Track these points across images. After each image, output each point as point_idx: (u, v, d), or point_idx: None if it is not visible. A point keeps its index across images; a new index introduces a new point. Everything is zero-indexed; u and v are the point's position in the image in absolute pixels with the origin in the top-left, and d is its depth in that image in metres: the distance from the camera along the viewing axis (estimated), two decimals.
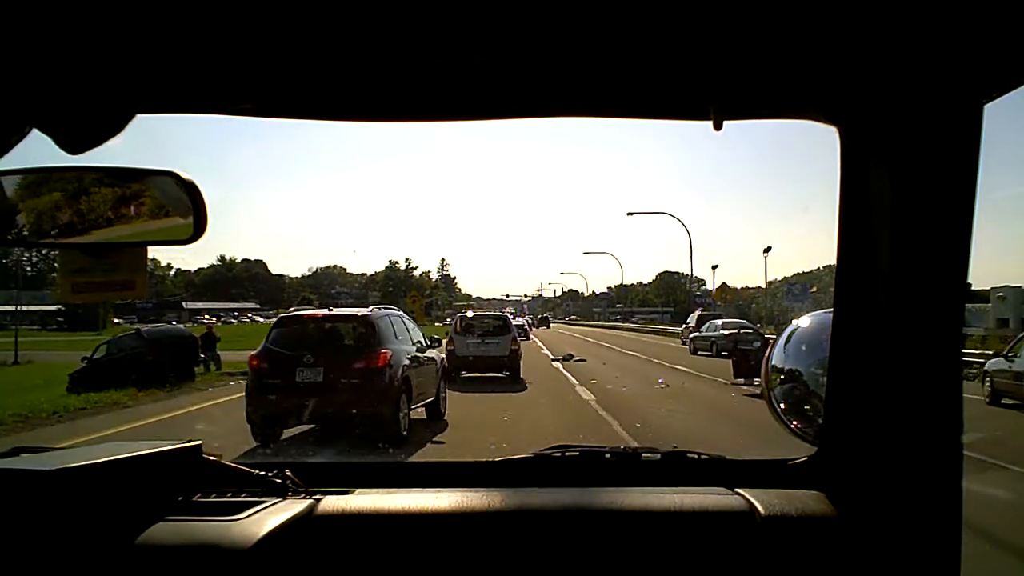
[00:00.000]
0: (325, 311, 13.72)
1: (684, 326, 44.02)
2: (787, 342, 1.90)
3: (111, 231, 1.57)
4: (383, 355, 11.87)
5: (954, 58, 1.41)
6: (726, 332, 32.97)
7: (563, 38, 1.42)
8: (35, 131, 1.45)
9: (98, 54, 1.41)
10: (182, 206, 1.57)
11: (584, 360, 28.78)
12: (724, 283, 54.95)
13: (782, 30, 1.41)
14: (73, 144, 1.45)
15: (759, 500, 1.65)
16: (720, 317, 38.88)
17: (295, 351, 11.84)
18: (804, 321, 1.93)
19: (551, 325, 78.93)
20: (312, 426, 12.02)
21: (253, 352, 12.32)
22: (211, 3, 1.31)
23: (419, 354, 13.40)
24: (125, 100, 1.49)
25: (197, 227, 1.57)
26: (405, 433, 11.79)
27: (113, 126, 1.47)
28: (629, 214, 66.34)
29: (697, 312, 42.98)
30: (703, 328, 36.61)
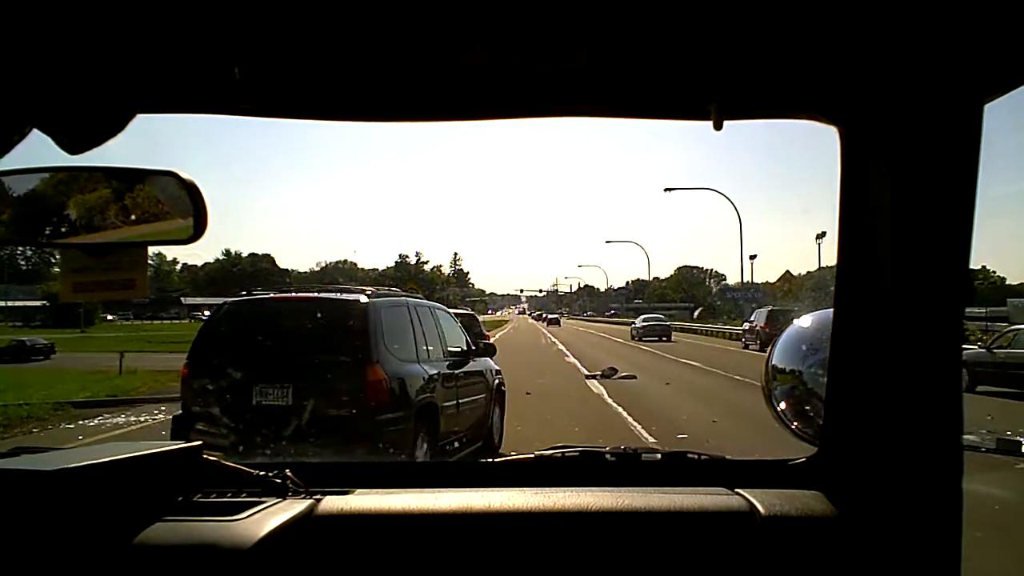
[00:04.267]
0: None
1: (746, 325, 38.94)
2: (787, 342, 1.96)
3: (111, 231, 1.63)
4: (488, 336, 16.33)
5: (954, 58, 1.46)
6: (643, 324, 46.93)
7: (563, 38, 1.47)
8: (35, 131, 1.49)
9: (98, 54, 1.46)
10: (182, 206, 1.62)
11: (632, 376, 21.08)
12: (788, 271, 52.99)
13: (783, 30, 1.46)
14: (73, 144, 1.49)
15: (759, 500, 1.69)
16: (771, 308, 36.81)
17: None
18: (804, 321, 1.97)
19: (561, 323, 78.20)
20: None
21: None
22: (210, 3, 1.38)
23: None
24: (125, 100, 1.54)
25: (197, 227, 1.62)
26: None
27: (113, 126, 1.51)
28: (667, 190, 62.70)
29: (766, 310, 36.27)
30: (637, 320, 49.63)
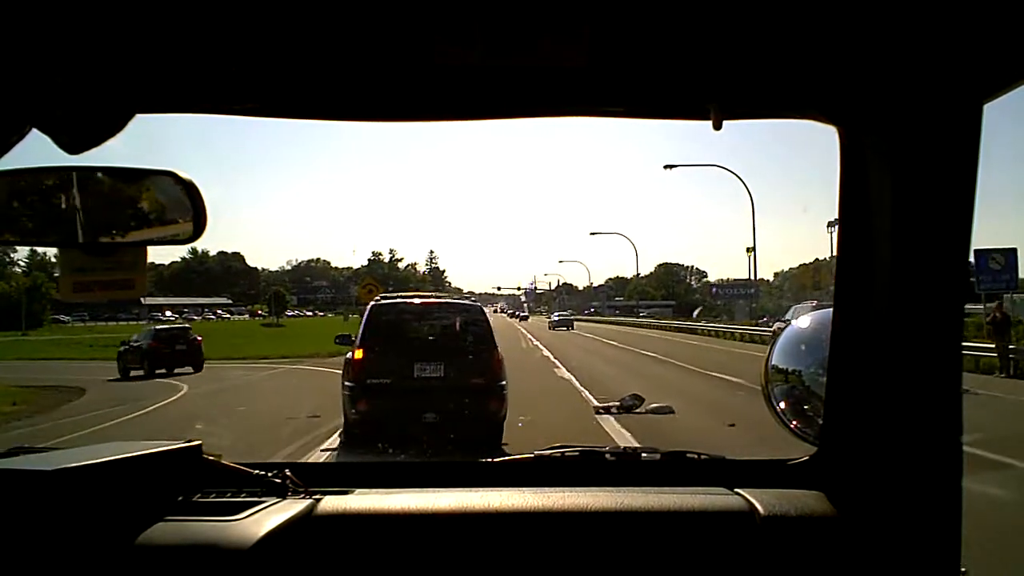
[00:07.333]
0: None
1: (778, 325, 31.50)
2: (787, 342, 2.02)
3: (111, 231, 1.68)
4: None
5: (954, 58, 1.52)
6: (557, 318, 66.50)
7: (563, 38, 1.53)
8: (35, 131, 1.53)
9: (98, 54, 1.50)
10: (182, 206, 1.67)
11: (668, 410, 14.57)
12: (817, 259, 52.39)
13: (783, 30, 1.52)
14: (73, 144, 1.53)
15: (759, 500, 1.74)
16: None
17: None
18: (804, 321, 2.03)
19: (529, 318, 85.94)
20: None
21: None
22: (209, 3, 1.42)
23: None
24: (125, 100, 1.58)
25: (197, 227, 1.67)
26: None
27: (113, 126, 1.55)
28: (667, 167, 59.07)
29: (807, 305, 29.37)
30: (553, 315, 71.63)
